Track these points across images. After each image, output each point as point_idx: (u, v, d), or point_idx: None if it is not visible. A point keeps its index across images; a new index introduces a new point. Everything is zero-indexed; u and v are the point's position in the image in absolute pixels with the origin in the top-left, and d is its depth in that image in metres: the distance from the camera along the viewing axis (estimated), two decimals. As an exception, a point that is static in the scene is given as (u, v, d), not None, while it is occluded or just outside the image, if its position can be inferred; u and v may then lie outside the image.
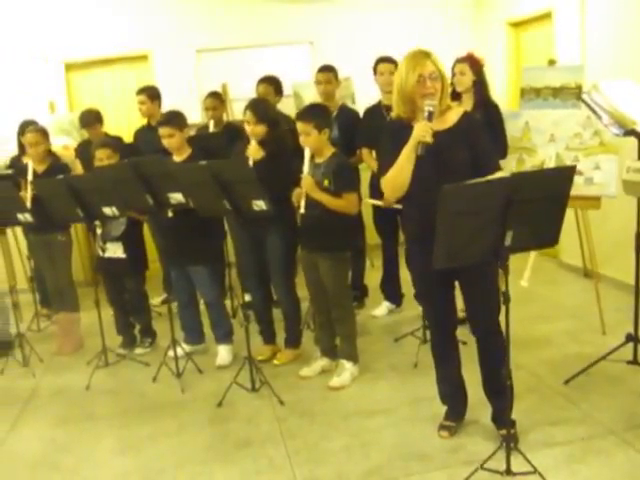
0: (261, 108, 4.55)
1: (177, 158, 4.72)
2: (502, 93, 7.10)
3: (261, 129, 4.45)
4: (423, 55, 3.19)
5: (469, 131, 3.25)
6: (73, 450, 3.89)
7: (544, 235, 2.91)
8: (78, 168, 5.74)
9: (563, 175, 2.88)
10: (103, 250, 5.08)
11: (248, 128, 4.46)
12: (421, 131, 3.10)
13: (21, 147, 5.88)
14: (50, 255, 5.36)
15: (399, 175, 3.23)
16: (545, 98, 5.08)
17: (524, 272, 4.65)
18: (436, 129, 3.16)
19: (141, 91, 6.07)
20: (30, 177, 4.98)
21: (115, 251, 5.05)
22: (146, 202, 4.43)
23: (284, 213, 4.30)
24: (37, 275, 6.04)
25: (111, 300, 5.30)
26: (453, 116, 3.28)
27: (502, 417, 3.34)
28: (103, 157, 4.95)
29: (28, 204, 4.81)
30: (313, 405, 4.15)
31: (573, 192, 4.49)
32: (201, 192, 4.13)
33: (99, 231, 5.07)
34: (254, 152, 4.40)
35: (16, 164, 5.91)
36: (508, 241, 2.73)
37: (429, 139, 3.09)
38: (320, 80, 5.51)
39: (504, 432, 3.28)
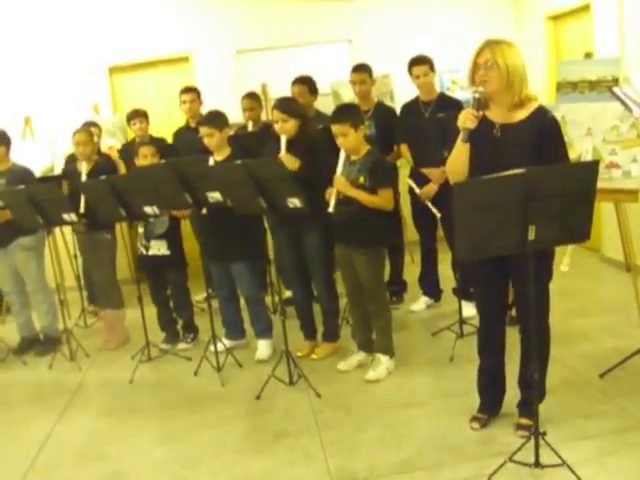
0: (287, 104, 4.64)
1: (217, 157, 4.80)
2: (542, 87, 7.06)
3: (291, 125, 4.52)
4: (484, 44, 3.18)
5: (537, 128, 3.16)
6: (116, 440, 4.02)
7: (574, 230, 2.89)
8: (122, 169, 5.88)
9: (585, 170, 2.85)
10: (147, 248, 5.23)
11: (277, 126, 4.53)
12: (462, 117, 3.16)
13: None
14: (96, 253, 5.52)
15: (455, 161, 3.30)
16: (581, 91, 5.06)
17: (563, 258, 4.65)
18: (502, 122, 3.21)
19: (191, 90, 6.20)
20: (84, 179, 5.17)
21: (159, 248, 5.20)
22: (185, 201, 4.54)
23: (321, 210, 4.31)
24: (85, 272, 6.22)
25: (154, 297, 5.43)
26: (525, 111, 3.21)
27: (526, 407, 3.41)
28: (147, 154, 5.12)
29: (82, 209, 4.98)
30: (349, 398, 4.21)
31: (610, 185, 4.57)
32: (237, 191, 4.22)
33: (141, 230, 5.22)
34: (291, 163, 4.40)
35: (69, 163, 6.06)
36: (532, 235, 2.75)
37: (470, 125, 3.13)
38: (354, 80, 5.52)
39: (523, 421, 3.39)
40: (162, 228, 5.19)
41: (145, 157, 5.10)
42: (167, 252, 5.21)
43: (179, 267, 5.37)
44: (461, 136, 3.19)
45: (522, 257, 2.95)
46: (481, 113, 3.18)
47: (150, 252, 5.23)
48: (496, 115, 3.26)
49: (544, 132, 3.16)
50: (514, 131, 3.20)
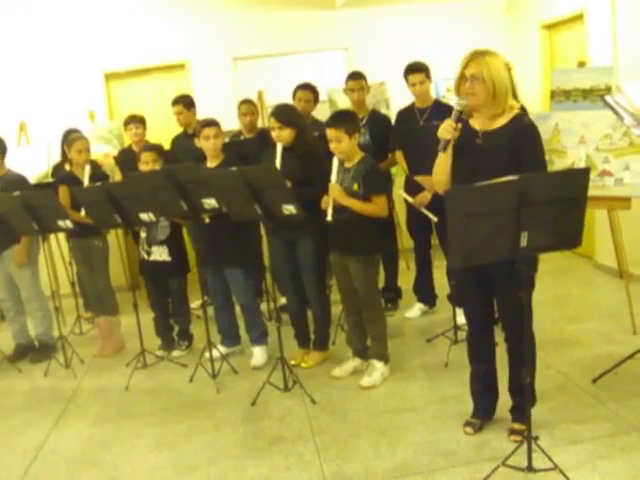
0: (285, 112, 4.64)
1: (210, 164, 4.84)
2: (536, 95, 7.11)
3: (287, 134, 4.52)
4: (471, 55, 3.22)
5: (514, 134, 3.20)
6: (111, 447, 4.03)
7: (565, 237, 2.91)
8: (118, 175, 5.90)
9: (576, 177, 2.88)
10: (148, 253, 5.25)
11: (274, 134, 4.54)
12: (441, 128, 3.26)
13: (64, 155, 6.06)
14: (89, 260, 5.54)
15: (437, 171, 3.40)
16: (575, 100, 5.10)
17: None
18: (483, 129, 3.27)
19: (177, 101, 6.14)
20: (87, 183, 5.19)
21: (160, 254, 5.21)
22: (181, 208, 4.56)
23: (315, 217, 4.33)
24: (79, 280, 6.23)
25: (153, 303, 5.44)
26: (504, 118, 3.26)
27: (518, 412, 3.45)
28: (149, 160, 5.10)
29: (83, 213, 5.01)
30: (344, 404, 4.23)
31: (603, 193, 4.61)
32: (233, 197, 4.23)
33: (143, 235, 5.24)
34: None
35: (58, 172, 6.10)
36: (524, 242, 2.78)
37: (447, 136, 3.23)
38: (352, 88, 5.51)
39: (516, 426, 3.43)
40: (163, 234, 5.19)
41: (147, 163, 5.09)
42: (168, 258, 5.21)
43: (179, 274, 5.38)
44: (440, 146, 3.28)
45: (504, 266, 2.99)
46: (460, 126, 3.26)
47: (151, 257, 5.24)
48: (479, 123, 3.32)
49: (518, 137, 3.19)
50: (493, 137, 3.25)
